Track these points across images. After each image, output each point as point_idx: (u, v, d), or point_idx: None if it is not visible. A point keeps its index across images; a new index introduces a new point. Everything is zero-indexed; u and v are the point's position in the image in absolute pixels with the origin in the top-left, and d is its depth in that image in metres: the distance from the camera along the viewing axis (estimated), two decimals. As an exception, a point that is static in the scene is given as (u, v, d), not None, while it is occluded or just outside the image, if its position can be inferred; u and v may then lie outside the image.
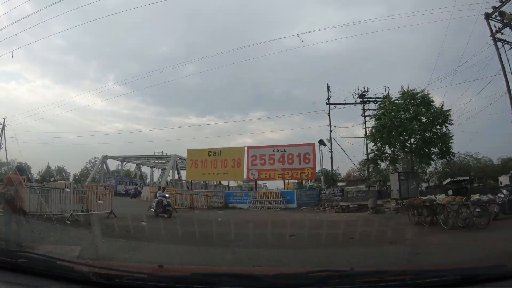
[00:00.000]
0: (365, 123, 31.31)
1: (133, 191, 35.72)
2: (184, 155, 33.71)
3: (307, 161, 28.14)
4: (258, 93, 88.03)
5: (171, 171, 41.18)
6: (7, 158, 36.39)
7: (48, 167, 46.74)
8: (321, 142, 31.16)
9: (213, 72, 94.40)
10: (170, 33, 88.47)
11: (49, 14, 78.42)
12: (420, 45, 70.62)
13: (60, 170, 49.76)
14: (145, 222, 9.94)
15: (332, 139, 31.48)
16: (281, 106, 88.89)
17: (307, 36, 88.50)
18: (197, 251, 6.52)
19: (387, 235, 8.37)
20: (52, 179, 43.91)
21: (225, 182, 35.92)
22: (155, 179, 47.62)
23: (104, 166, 42.06)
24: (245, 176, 29.52)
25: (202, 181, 34.84)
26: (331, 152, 31.43)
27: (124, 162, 47.23)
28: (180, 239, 7.81)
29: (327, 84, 32.00)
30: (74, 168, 53.76)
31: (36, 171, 41.59)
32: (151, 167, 49.61)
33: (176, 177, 41.60)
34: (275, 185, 37.18)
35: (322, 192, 27.42)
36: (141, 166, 48.76)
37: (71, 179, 45.03)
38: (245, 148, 29.82)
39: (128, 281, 1.58)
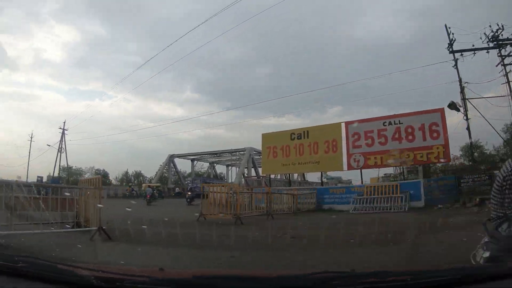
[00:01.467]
0: (506, 75, 20.85)
1: (189, 193, 24.85)
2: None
3: (435, 135, 19.00)
4: (332, 88, 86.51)
5: (246, 169, 35.61)
6: (67, 162, 37.94)
7: (126, 172, 47.83)
8: (452, 105, 21.17)
9: (285, 71, 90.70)
10: (238, 38, 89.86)
11: (122, 34, 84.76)
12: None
13: (138, 175, 49.64)
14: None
15: (467, 100, 21.57)
16: (358, 98, 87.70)
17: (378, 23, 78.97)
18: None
19: None
20: (130, 183, 44.46)
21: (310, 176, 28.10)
22: (233, 178, 42.85)
23: (172, 165, 38.95)
24: (345, 164, 20.56)
25: (284, 176, 27.42)
26: (467, 119, 21.52)
27: (195, 161, 43.51)
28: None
29: (445, 25, 22.10)
30: (151, 173, 53.41)
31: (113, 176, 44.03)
32: (228, 165, 45.46)
33: (253, 174, 35.81)
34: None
35: (462, 180, 18.11)
36: (215, 165, 44.59)
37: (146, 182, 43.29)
38: (343, 125, 21.03)
39: (129, 284, 1.57)
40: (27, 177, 33.23)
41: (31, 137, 40.65)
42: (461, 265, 2.18)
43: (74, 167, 45.89)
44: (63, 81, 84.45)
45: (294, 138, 22.26)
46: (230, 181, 41.71)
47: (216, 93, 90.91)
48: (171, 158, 39.36)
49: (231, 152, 39.51)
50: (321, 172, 24.42)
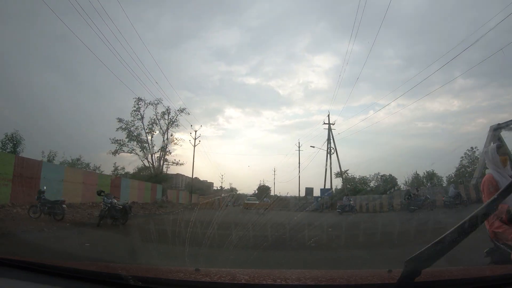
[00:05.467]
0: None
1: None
2: None
3: None
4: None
5: None
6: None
7: (416, 174, 41.53)
8: None
9: None
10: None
11: (376, 43, 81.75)
12: None
13: (431, 175, 41.21)
14: None
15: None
16: None
17: None
18: None
19: None
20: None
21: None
22: None
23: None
24: None
25: None
26: None
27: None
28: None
29: None
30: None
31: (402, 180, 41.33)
32: None
33: None
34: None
35: None
36: None
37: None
38: None
39: (165, 284, 1.58)
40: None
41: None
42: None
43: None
44: (336, 103, 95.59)
45: None
46: None
47: (491, 72, 73.48)
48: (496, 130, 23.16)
49: None
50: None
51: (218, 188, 66.26)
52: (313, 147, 36.31)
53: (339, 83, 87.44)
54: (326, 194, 33.64)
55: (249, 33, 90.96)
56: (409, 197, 19.78)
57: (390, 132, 74.94)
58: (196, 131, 39.72)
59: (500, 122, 23.13)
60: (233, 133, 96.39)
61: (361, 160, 58.56)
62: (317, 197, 21.81)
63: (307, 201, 38.03)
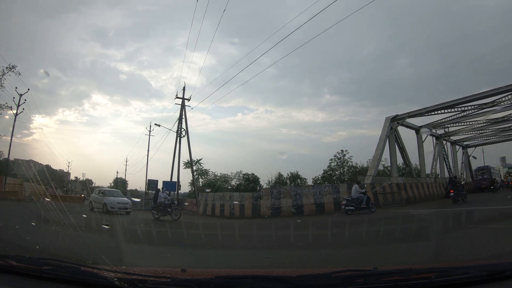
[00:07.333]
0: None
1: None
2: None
3: None
4: (478, 67, 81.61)
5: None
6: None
7: (280, 175, 41.92)
8: None
9: (425, 57, 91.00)
10: (370, 31, 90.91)
11: (256, 49, 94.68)
12: None
13: (295, 177, 42.52)
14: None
15: None
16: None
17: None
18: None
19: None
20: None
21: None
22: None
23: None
24: None
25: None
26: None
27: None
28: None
29: None
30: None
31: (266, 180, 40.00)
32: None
33: None
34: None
35: None
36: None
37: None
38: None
39: (151, 285, 1.58)
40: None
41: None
42: (487, 261, 2.07)
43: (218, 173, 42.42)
44: (207, 102, 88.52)
45: None
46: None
47: (355, 92, 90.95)
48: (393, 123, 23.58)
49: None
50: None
51: (74, 179, 62.50)
52: (158, 125, 30.58)
53: (211, 82, 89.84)
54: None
55: (132, 18, 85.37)
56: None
57: (256, 135, 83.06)
58: (21, 96, 30.80)
59: (399, 113, 24.20)
60: (98, 121, 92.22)
61: (225, 158, 59.52)
62: (158, 192, 15.77)
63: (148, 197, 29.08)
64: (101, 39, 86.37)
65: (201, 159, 40.99)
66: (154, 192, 20.48)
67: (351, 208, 13.95)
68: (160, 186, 26.29)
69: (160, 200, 15.89)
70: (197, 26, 69.01)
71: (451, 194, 15.99)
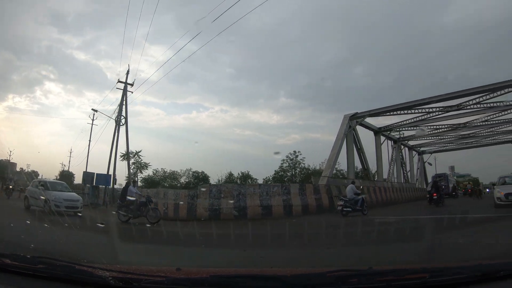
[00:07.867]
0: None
1: None
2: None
3: None
4: (432, 81, 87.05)
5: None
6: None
7: (230, 174, 40.57)
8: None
9: (382, 68, 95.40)
10: (331, 39, 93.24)
11: (216, 48, 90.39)
12: None
13: (246, 176, 41.65)
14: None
15: None
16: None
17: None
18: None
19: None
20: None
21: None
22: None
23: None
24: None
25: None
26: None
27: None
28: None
29: None
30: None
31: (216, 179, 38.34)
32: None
33: None
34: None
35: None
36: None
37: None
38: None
39: (146, 284, 1.58)
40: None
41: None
42: (481, 261, 1.97)
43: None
44: (162, 97, 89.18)
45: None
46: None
47: (312, 97, 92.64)
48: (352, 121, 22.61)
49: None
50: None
51: (19, 170, 55.51)
52: (96, 110, 29.02)
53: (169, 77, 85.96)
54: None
55: (93, 4, 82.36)
56: None
57: (209, 134, 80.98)
58: None
59: (358, 111, 22.89)
60: (49, 110, 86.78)
61: (175, 155, 57.77)
62: (128, 186, 12.83)
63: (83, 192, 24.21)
64: (59, 24, 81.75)
65: (140, 151, 37.81)
66: (89, 186, 16.81)
67: (348, 209, 13.18)
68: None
69: (131, 196, 12.04)
70: (158, 18, 65.63)
71: (434, 197, 16.33)
